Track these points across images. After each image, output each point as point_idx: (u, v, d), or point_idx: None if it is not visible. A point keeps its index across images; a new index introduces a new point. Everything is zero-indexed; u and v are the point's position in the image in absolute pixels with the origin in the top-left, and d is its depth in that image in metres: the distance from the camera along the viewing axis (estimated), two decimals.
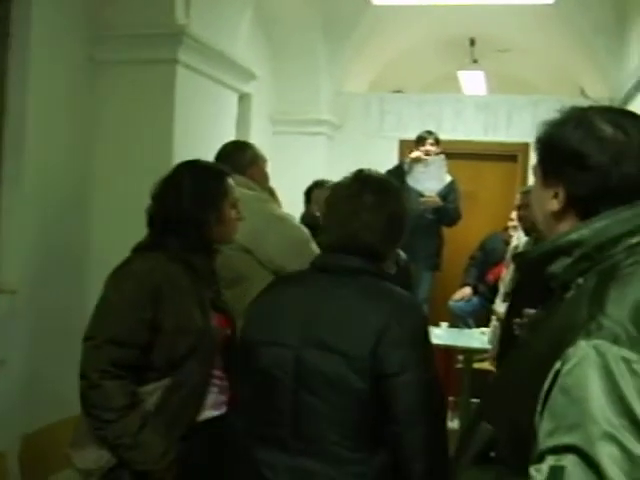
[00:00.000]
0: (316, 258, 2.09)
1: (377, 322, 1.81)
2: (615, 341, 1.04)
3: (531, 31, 7.42)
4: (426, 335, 1.92)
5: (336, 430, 1.81)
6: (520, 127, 7.23)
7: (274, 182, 3.49)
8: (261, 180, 3.29)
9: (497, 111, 7.34)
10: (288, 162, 6.62)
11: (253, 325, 2.03)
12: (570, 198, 1.28)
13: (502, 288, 4.38)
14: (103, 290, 2.32)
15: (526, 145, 7.09)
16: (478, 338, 5.39)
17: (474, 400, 5.04)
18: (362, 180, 2.03)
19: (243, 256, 3.01)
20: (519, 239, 4.44)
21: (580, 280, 1.23)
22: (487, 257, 6.39)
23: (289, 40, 6.64)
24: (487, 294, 5.94)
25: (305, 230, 3.18)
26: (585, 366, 1.04)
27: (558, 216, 1.30)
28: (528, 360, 1.22)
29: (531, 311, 2.43)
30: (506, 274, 4.37)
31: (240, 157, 3.26)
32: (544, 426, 1.07)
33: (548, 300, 1.34)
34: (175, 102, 3.90)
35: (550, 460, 1.04)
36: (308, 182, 5.32)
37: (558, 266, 1.26)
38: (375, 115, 7.53)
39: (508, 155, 7.25)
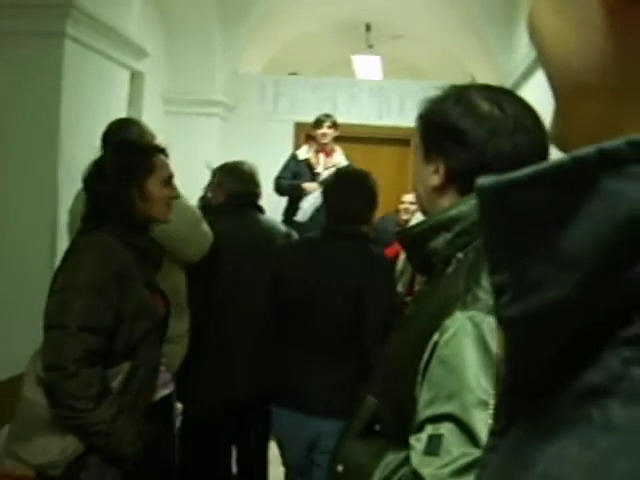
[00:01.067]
0: (327, 227, 2.99)
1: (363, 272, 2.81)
2: (490, 312, 1.05)
3: (424, 18, 7.55)
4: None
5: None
6: (412, 112, 7.10)
7: None
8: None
9: (390, 96, 7.43)
10: (181, 143, 6.47)
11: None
12: (450, 173, 1.29)
13: (399, 266, 4.44)
14: (61, 276, 2.25)
15: None
16: None
17: None
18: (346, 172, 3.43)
19: None
20: (418, 219, 4.50)
21: (460, 255, 1.24)
22: (379, 238, 6.45)
23: (184, 18, 6.50)
24: None
25: (196, 210, 3.17)
26: (461, 336, 1.07)
27: (439, 191, 1.31)
28: (411, 334, 1.24)
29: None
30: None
31: (127, 134, 3.18)
32: (423, 396, 1.09)
33: (431, 275, 1.35)
34: (62, 77, 3.74)
35: (429, 429, 1.06)
36: (200, 163, 5.23)
37: (439, 242, 1.27)
38: (270, 97, 7.49)
39: (401, 139, 7.35)
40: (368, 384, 1.35)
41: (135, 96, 5.84)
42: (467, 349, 1.05)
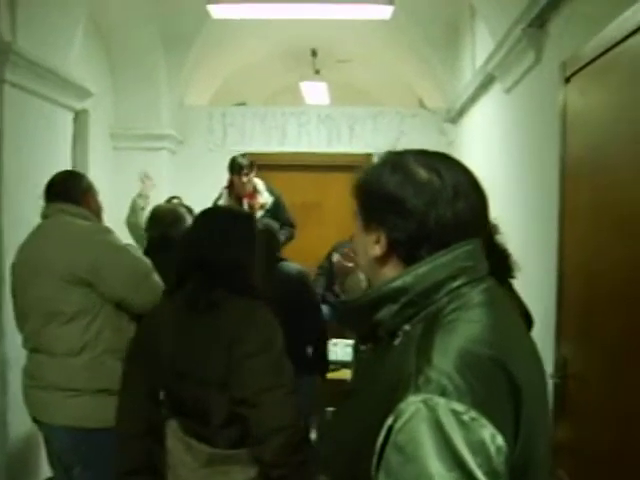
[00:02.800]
0: None
1: None
2: (443, 393, 1.04)
3: (369, 43, 7.60)
4: None
5: None
6: (362, 138, 7.38)
7: (115, 200, 3.37)
8: (97, 209, 3.17)
9: (339, 123, 7.45)
10: (130, 178, 6.42)
11: None
12: (391, 243, 1.26)
13: None
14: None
15: (369, 156, 7.25)
16: (332, 350, 5.42)
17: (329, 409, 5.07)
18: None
19: (84, 290, 2.91)
20: None
21: (407, 327, 1.22)
22: (333, 267, 6.44)
23: (127, 54, 6.44)
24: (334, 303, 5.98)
25: (147, 261, 3.11)
26: (415, 422, 1.03)
27: (381, 261, 1.29)
28: (362, 411, 1.21)
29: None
30: None
31: (74, 185, 3.12)
32: None
33: (376, 344, 1.32)
34: (3, 123, 3.68)
35: None
36: (151, 198, 5.19)
37: (384, 313, 1.23)
38: (218, 129, 7.45)
39: (351, 166, 7.37)
40: (318, 463, 1.32)
41: (80, 134, 5.77)
42: (423, 436, 1.02)
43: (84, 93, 4.61)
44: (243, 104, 8.30)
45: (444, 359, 1.09)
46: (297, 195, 7.34)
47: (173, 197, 6.07)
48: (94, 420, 2.89)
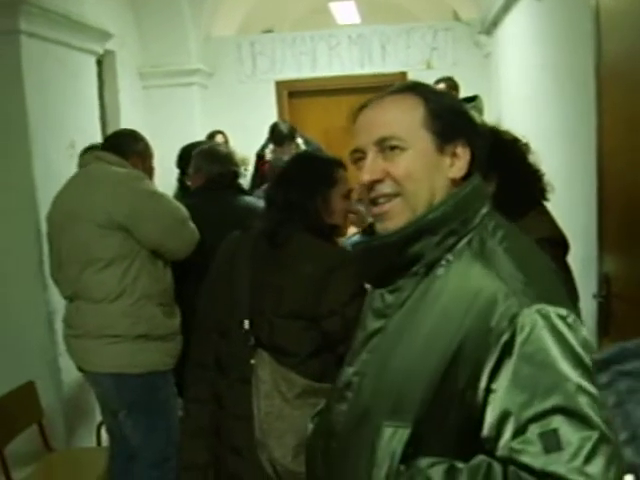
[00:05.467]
0: None
1: None
2: (548, 302, 1.12)
3: None
4: None
5: None
6: (395, 57, 7.19)
7: (150, 139, 3.32)
8: (143, 172, 3.14)
9: (371, 42, 7.24)
10: (162, 116, 6.40)
11: None
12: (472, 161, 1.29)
13: None
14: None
15: (403, 74, 7.07)
16: None
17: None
18: None
19: (121, 235, 2.93)
20: None
21: (450, 256, 1.23)
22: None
23: None
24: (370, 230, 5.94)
25: (182, 208, 3.09)
26: (538, 331, 1.09)
27: (456, 182, 1.29)
28: (430, 344, 1.18)
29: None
30: None
31: (127, 142, 3.14)
32: (513, 399, 1.08)
33: (396, 282, 1.29)
34: (23, 75, 3.64)
35: (535, 428, 1.05)
36: (185, 136, 5.15)
37: (423, 246, 1.24)
38: (247, 59, 7.31)
39: (386, 86, 7.19)
40: (370, 413, 1.25)
41: (109, 76, 5.72)
42: (548, 342, 1.08)
43: (104, 35, 4.54)
44: (270, 31, 8.12)
45: (533, 274, 1.17)
46: (331, 120, 7.23)
47: (217, 131, 6.03)
48: (134, 365, 2.94)
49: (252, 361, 2.16)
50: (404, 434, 1.16)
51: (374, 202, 1.30)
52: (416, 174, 1.26)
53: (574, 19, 3.37)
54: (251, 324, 2.19)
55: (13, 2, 3.51)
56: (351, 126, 1.36)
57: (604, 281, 2.81)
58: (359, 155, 1.33)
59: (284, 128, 5.57)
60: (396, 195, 1.27)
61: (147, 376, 2.97)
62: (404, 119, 1.28)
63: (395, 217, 1.27)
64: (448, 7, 7.99)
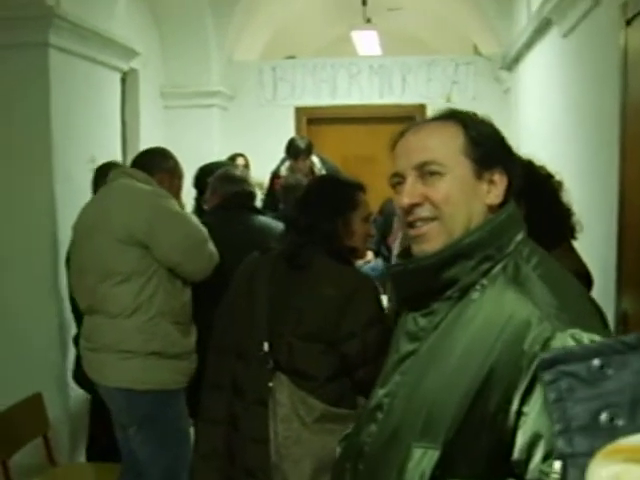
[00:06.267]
0: None
1: None
2: (583, 327, 1.11)
3: None
4: None
5: None
6: (415, 88, 7.23)
7: None
8: (169, 191, 3.15)
9: (392, 73, 7.30)
10: (182, 136, 6.43)
11: None
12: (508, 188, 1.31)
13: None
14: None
15: (422, 106, 7.10)
16: None
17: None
18: None
19: (139, 251, 2.93)
20: None
21: (484, 281, 1.25)
22: (387, 220, 6.38)
23: (175, 11, 6.38)
24: (390, 257, 5.94)
25: (203, 230, 3.09)
26: None
27: (494, 209, 1.31)
28: (463, 367, 1.19)
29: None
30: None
31: (154, 159, 3.16)
32: (546, 422, 1.05)
33: (427, 304, 1.31)
34: (50, 87, 3.68)
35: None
36: (203, 156, 5.17)
37: (458, 270, 1.25)
38: (268, 83, 7.38)
39: (404, 117, 7.23)
40: (400, 434, 1.25)
41: (131, 94, 5.77)
42: None
43: (130, 53, 4.58)
44: (292, 58, 8.19)
45: (568, 300, 1.19)
46: (349, 148, 7.26)
47: (238, 154, 6.06)
48: (146, 382, 2.93)
49: (270, 384, 2.14)
50: (434, 455, 1.15)
51: (412, 225, 1.31)
52: (454, 199, 1.28)
53: (601, 57, 3.38)
54: (270, 346, 2.18)
55: (44, 15, 3.55)
56: (390, 152, 1.39)
57: (622, 318, 2.79)
58: (398, 179, 1.35)
59: (301, 142, 5.61)
60: (434, 219, 1.29)
61: (158, 393, 2.95)
62: (444, 145, 1.30)
63: (432, 240, 1.29)
64: (468, 41, 8.05)
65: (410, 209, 1.30)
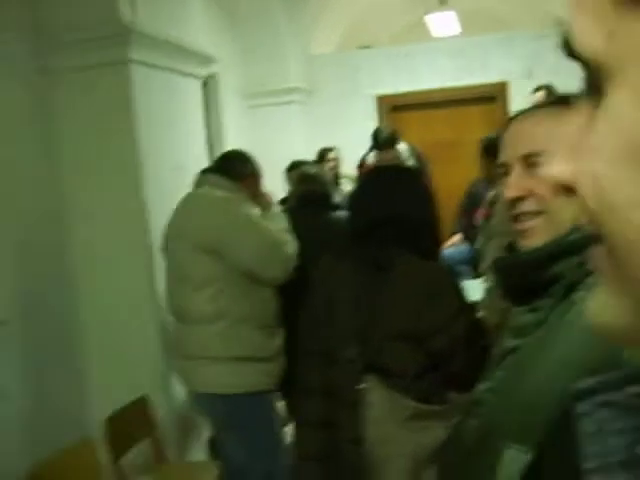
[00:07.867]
0: None
1: None
2: None
3: None
4: None
5: None
6: (496, 66, 7.09)
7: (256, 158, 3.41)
8: (252, 195, 3.22)
9: (471, 54, 7.18)
10: (265, 135, 6.52)
11: None
12: None
13: (484, 260, 4.05)
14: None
15: (503, 84, 6.97)
16: (477, 288, 5.22)
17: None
18: None
19: (212, 258, 2.99)
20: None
21: (590, 279, 1.15)
22: (472, 202, 6.27)
23: (249, 11, 6.47)
24: (474, 236, 5.81)
25: (278, 235, 3.11)
26: None
27: None
28: (549, 366, 1.14)
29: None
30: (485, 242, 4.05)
31: (234, 164, 3.24)
32: None
33: (531, 300, 1.25)
34: (135, 102, 3.78)
35: None
36: (287, 153, 5.24)
37: (564, 266, 1.17)
38: (347, 74, 7.38)
39: (486, 97, 7.12)
40: (496, 433, 1.21)
41: (213, 99, 5.89)
42: None
43: (208, 60, 4.67)
44: (368, 47, 8.17)
45: None
46: (432, 133, 7.19)
47: (328, 149, 6.10)
48: (230, 386, 3.00)
49: (361, 385, 2.16)
50: (525, 459, 1.09)
51: (516, 219, 1.25)
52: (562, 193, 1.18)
53: None
54: (358, 349, 2.19)
55: (123, 32, 3.66)
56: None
57: None
58: (504, 170, 1.28)
59: (385, 132, 5.63)
60: (539, 213, 1.22)
61: (245, 396, 3.01)
62: (553, 135, 1.20)
63: (536, 235, 1.22)
64: (549, 13, 7.82)
65: (514, 202, 1.23)
